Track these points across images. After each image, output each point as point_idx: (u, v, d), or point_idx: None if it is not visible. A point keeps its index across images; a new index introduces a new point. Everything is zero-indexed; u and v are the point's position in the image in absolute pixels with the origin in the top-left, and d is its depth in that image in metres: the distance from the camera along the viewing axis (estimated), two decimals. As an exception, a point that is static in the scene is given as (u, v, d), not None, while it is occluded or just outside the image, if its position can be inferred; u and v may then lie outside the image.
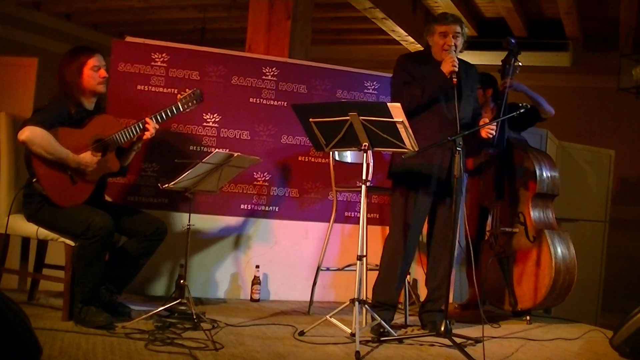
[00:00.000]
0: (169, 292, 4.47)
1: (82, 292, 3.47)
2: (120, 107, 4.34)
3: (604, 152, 7.37)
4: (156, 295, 4.50)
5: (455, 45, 3.91)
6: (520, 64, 4.58)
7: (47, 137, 3.39)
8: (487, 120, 3.92)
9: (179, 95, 3.83)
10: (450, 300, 3.75)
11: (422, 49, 4.27)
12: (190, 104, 3.80)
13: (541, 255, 4.42)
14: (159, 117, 3.72)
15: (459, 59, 3.99)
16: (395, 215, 4.00)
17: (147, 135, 3.71)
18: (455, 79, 3.79)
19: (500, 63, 4.63)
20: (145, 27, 9.16)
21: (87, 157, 3.52)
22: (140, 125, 3.68)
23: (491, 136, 3.94)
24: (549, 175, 4.58)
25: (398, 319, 4.31)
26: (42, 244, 3.96)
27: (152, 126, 3.69)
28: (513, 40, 4.56)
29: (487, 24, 8.20)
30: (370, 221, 4.87)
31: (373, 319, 3.70)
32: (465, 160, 4.07)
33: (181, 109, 3.77)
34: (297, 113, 3.64)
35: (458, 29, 3.94)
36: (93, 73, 3.62)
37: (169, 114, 3.74)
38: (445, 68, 3.82)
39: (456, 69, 3.80)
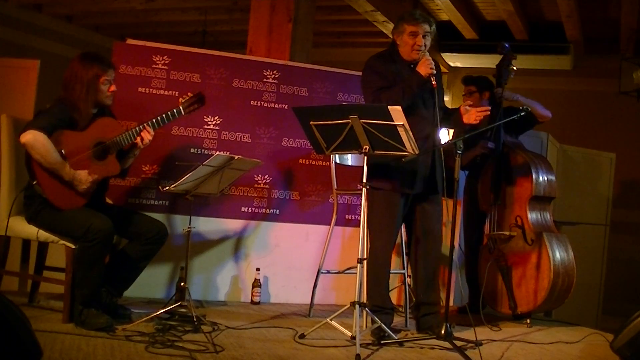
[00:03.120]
0: (170, 294, 4.47)
1: (83, 294, 3.47)
2: (121, 109, 4.33)
3: (604, 155, 7.37)
4: (157, 298, 4.50)
5: (425, 45, 3.89)
6: (515, 68, 4.58)
7: (48, 146, 3.40)
8: (474, 112, 3.86)
9: (180, 99, 3.83)
10: (451, 303, 3.74)
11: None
12: (191, 107, 3.81)
13: (540, 258, 4.43)
14: (160, 121, 3.73)
15: None
16: (377, 216, 3.91)
17: (138, 141, 3.71)
18: (434, 82, 3.79)
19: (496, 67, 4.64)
20: (147, 29, 9.17)
21: (83, 175, 3.52)
22: (138, 129, 3.69)
23: (478, 120, 3.88)
24: (546, 178, 4.59)
25: (398, 321, 4.31)
26: (43, 246, 3.97)
27: (147, 134, 3.70)
28: (507, 45, 4.56)
29: (488, 27, 8.20)
30: (370, 224, 4.87)
31: (373, 322, 3.70)
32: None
33: (182, 113, 3.78)
34: (298, 116, 3.65)
35: (428, 28, 3.90)
36: (103, 87, 3.63)
37: (171, 117, 3.75)
38: (423, 71, 3.79)
39: (434, 72, 3.79)
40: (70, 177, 3.49)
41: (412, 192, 3.90)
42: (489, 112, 3.93)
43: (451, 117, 4.00)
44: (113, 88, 3.68)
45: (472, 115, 3.86)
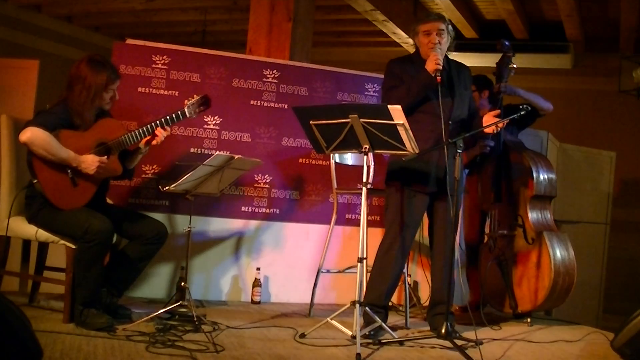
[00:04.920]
0: (170, 294, 4.47)
1: (83, 294, 3.47)
2: (121, 109, 4.34)
3: (605, 154, 7.37)
4: (157, 298, 4.50)
5: (440, 43, 3.90)
6: (515, 66, 4.58)
7: (48, 138, 3.40)
8: (491, 118, 3.90)
9: (186, 101, 3.83)
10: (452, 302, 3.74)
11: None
12: (197, 110, 3.80)
13: (540, 257, 4.42)
14: (164, 123, 3.72)
15: (451, 59, 4.05)
16: (390, 214, 3.99)
17: (156, 142, 3.73)
18: (439, 77, 3.77)
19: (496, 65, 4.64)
20: (146, 29, 9.17)
21: (89, 158, 3.52)
22: (148, 129, 3.68)
23: (495, 132, 3.93)
24: (546, 177, 4.59)
25: (399, 320, 4.31)
26: (43, 246, 3.97)
27: (162, 132, 3.71)
28: (507, 43, 4.56)
29: (488, 26, 8.21)
30: (370, 223, 4.87)
31: (367, 322, 3.71)
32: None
33: (188, 115, 3.77)
34: (297, 115, 3.65)
35: (441, 26, 3.92)
36: (106, 95, 3.63)
37: (175, 119, 3.74)
38: (429, 67, 3.80)
39: (440, 67, 3.78)
40: (77, 162, 3.49)
41: (424, 191, 3.92)
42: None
43: (473, 123, 4.04)
44: (116, 98, 3.69)
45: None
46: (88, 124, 3.59)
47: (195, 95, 3.85)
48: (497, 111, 3.97)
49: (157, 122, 3.71)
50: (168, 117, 3.73)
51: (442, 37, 3.91)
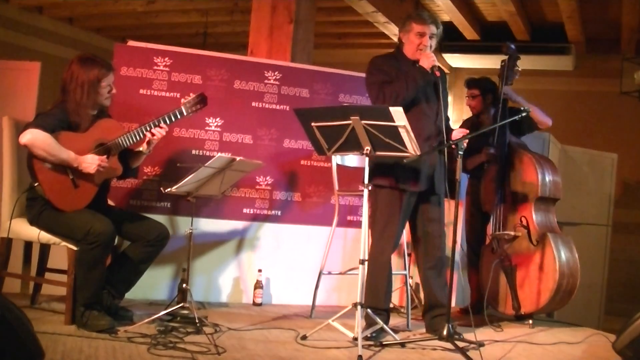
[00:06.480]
0: (172, 296, 4.47)
1: (84, 296, 3.47)
2: (122, 111, 4.35)
3: (606, 155, 7.37)
4: (158, 300, 4.50)
5: (430, 46, 3.92)
6: (519, 69, 4.58)
7: (48, 139, 3.40)
8: (459, 133, 3.86)
9: (182, 100, 3.83)
10: (453, 304, 3.74)
11: None
12: (194, 108, 3.80)
13: (545, 259, 4.42)
14: (162, 121, 3.72)
15: None
16: (382, 215, 3.91)
17: (156, 140, 3.74)
18: (437, 72, 3.79)
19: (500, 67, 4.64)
20: (148, 31, 9.18)
21: (89, 158, 3.52)
22: (146, 128, 3.67)
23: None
24: (551, 179, 4.59)
25: (400, 322, 4.31)
26: (45, 248, 3.96)
27: (160, 129, 3.71)
28: (512, 46, 4.56)
29: (489, 28, 8.21)
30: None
31: (369, 324, 3.70)
32: (464, 160, 4.02)
33: (185, 114, 3.77)
34: (299, 117, 3.64)
35: (435, 30, 3.94)
36: (103, 90, 3.62)
37: (173, 118, 3.74)
38: (426, 63, 3.81)
39: (436, 63, 3.81)
40: (77, 162, 3.49)
41: (415, 189, 3.88)
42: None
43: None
44: (114, 91, 3.68)
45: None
46: (86, 123, 3.59)
47: (191, 94, 3.85)
48: (466, 131, 3.91)
49: (155, 121, 3.71)
50: (165, 116, 3.73)
51: (432, 41, 3.94)
